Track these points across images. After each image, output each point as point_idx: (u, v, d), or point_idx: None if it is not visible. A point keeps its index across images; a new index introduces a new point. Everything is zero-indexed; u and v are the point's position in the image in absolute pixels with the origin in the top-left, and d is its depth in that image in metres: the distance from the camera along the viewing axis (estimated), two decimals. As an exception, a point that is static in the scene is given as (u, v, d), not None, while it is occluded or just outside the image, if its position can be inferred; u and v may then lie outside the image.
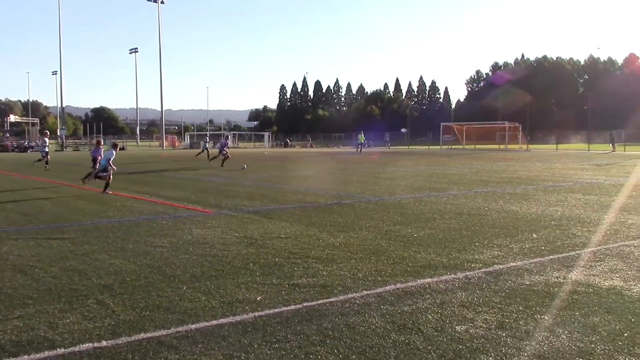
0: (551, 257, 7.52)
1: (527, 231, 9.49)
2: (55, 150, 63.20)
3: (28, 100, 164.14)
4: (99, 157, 17.76)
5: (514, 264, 7.12)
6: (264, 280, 6.33)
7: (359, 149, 54.18)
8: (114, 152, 16.59)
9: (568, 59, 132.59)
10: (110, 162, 16.06)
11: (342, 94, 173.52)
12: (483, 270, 6.79)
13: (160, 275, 6.54)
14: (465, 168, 28.10)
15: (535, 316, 5.12)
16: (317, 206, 12.94)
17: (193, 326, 4.86)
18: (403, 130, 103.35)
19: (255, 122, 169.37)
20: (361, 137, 55.72)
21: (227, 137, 35.22)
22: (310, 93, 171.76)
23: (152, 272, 6.68)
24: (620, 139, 62.17)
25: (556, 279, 6.36)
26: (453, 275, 6.52)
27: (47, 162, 28.93)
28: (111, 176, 16.19)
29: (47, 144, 30.21)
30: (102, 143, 20.38)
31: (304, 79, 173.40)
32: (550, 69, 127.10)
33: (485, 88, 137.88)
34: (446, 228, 9.80)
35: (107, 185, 15.86)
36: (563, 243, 8.48)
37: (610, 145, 53.62)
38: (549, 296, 5.72)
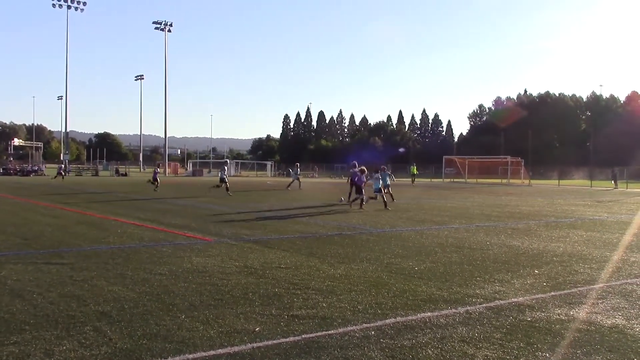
0: (553, 293, 7.46)
1: (529, 267, 9.44)
2: (54, 177, 63.33)
3: (33, 124, 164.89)
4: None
5: (516, 299, 7.06)
6: (263, 310, 6.28)
7: (413, 180, 56.56)
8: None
9: (571, 95, 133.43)
10: None
11: (346, 124, 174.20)
12: (484, 305, 6.73)
13: (158, 304, 6.49)
14: (467, 201, 28.06)
15: (537, 353, 5.06)
16: (318, 237, 12.91)
17: (190, 356, 4.80)
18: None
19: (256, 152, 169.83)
20: (413, 169, 58.54)
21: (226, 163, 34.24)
22: (314, 123, 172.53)
23: (150, 300, 6.63)
24: (623, 176, 62.13)
25: (558, 316, 6.30)
26: (454, 310, 6.46)
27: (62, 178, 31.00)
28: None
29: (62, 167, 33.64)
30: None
31: (308, 109, 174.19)
32: (552, 104, 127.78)
33: (487, 122, 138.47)
34: (447, 262, 9.75)
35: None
36: (565, 280, 8.42)
37: (613, 182, 53.55)
38: (550, 333, 5.66)
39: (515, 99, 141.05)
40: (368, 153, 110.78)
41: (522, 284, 7.99)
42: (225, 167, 31.22)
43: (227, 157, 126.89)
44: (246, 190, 34.60)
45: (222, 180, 29.71)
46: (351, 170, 24.78)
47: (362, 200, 21.60)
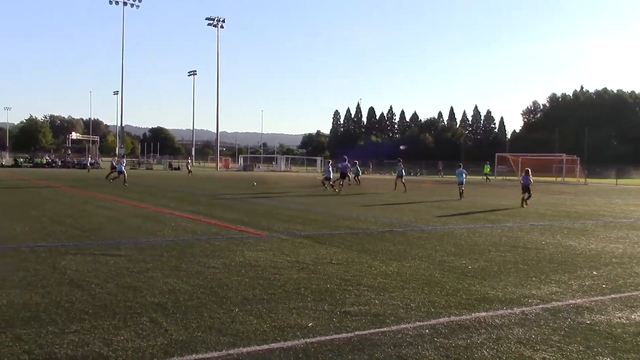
0: (613, 296, 7.24)
1: (587, 268, 9.18)
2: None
3: (90, 118, 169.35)
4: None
5: (574, 301, 6.87)
6: (315, 306, 6.29)
7: (487, 179, 58.01)
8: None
9: (630, 92, 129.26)
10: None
11: (396, 121, 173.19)
12: (541, 306, 6.58)
13: (212, 296, 6.57)
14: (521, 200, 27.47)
15: (597, 358, 4.91)
16: (370, 233, 12.86)
17: (244, 349, 4.84)
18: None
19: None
20: (486, 168, 59.63)
21: (345, 159, 33.48)
22: (364, 119, 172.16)
23: (204, 293, 6.72)
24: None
25: (619, 320, 6.10)
26: (509, 310, 6.33)
27: (125, 180, 32.35)
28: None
29: (124, 164, 34.68)
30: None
31: (358, 105, 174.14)
32: (610, 101, 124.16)
33: (541, 119, 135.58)
34: (501, 261, 9.57)
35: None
36: (625, 282, 8.16)
37: None
38: (611, 337, 5.48)
39: (571, 95, 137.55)
40: (418, 149, 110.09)
41: (580, 286, 7.78)
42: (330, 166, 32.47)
43: (278, 153, 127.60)
44: (299, 186, 34.76)
45: (328, 177, 31.39)
46: (341, 164, 32.10)
47: (341, 183, 30.69)
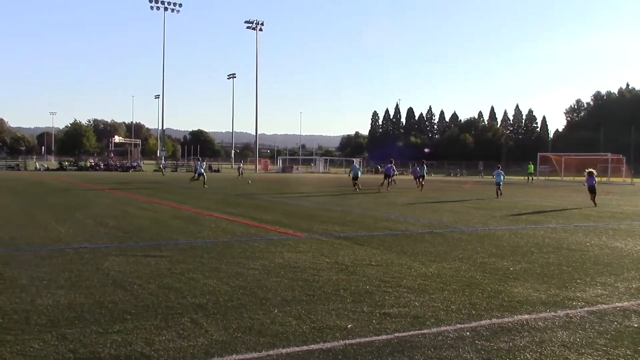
0: (661, 298, 7.02)
1: (634, 270, 8.93)
2: (154, 171, 66.03)
3: (132, 122, 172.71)
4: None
5: (620, 304, 6.69)
6: (354, 307, 6.26)
7: (529, 179, 57.17)
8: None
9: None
10: None
11: (435, 121, 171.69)
12: (586, 309, 6.42)
13: (252, 297, 6.60)
14: (564, 200, 27.01)
15: (646, 362, 4.77)
16: (409, 234, 12.77)
17: (284, 350, 4.85)
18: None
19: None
20: (531, 168, 59.24)
21: (391, 161, 35.02)
22: (403, 120, 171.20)
23: (244, 294, 6.76)
24: None
25: (668, 323, 5.91)
26: (553, 313, 6.20)
27: (199, 179, 34.07)
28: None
29: (203, 166, 36.37)
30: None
31: (397, 105, 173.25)
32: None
33: (585, 117, 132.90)
34: (544, 263, 9.39)
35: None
36: (675, 284, 7.91)
37: None
38: (660, 341, 5.32)
39: (616, 93, 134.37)
40: (458, 150, 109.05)
41: (626, 288, 7.57)
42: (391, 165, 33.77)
43: (317, 154, 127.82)
44: (337, 187, 34.74)
45: (388, 176, 33.17)
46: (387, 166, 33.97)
47: (388, 183, 32.69)
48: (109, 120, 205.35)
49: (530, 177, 58.29)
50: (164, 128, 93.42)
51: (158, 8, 79.12)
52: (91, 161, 76.65)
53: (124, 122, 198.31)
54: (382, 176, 34.99)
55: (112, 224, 13.60)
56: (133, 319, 5.66)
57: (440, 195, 28.72)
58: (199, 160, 40.54)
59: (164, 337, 5.13)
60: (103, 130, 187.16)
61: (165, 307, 6.11)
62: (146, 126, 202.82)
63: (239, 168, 57.09)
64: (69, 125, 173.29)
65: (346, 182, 38.95)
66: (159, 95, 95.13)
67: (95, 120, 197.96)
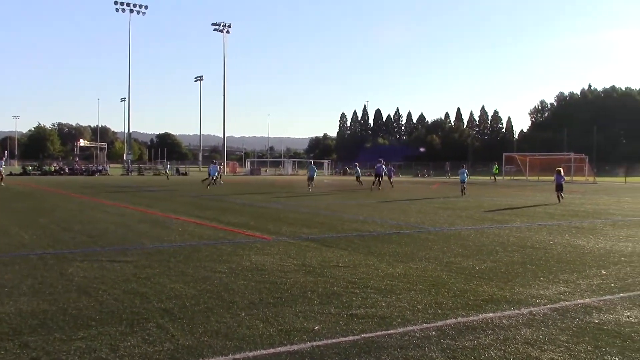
0: (622, 295, 7.19)
1: (595, 267, 9.13)
2: (121, 175, 65.24)
3: (97, 125, 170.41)
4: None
5: (582, 301, 6.83)
6: (321, 309, 6.28)
7: (495, 179, 58.70)
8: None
9: (638, 89, 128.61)
10: None
11: (403, 122, 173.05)
12: (548, 306, 6.54)
13: (219, 301, 6.57)
14: (529, 200, 27.44)
15: (606, 357, 4.88)
16: (376, 235, 12.84)
17: (251, 353, 4.84)
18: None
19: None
20: (496, 168, 61.22)
21: (381, 161, 36.76)
22: (371, 121, 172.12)
23: (211, 298, 6.73)
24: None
25: (628, 319, 6.06)
26: (517, 311, 6.30)
27: (214, 182, 35.85)
28: None
29: (219, 169, 38.53)
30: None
31: (364, 107, 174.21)
32: (618, 99, 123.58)
33: (549, 118, 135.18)
34: (509, 261, 9.53)
35: None
36: (635, 281, 8.10)
37: None
38: (620, 336, 5.44)
39: (578, 94, 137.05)
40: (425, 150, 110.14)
41: (588, 285, 7.73)
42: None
43: (286, 156, 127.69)
44: (304, 188, 34.73)
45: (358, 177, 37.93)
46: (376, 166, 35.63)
47: (379, 182, 34.53)
48: (73, 124, 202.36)
49: (495, 177, 59.71)
50: (131, 131, 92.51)
51: (123, 10, 78.37)
52: (55, 165, 75.31)
53: (90, 126, 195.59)
54: (343, 177, 36.77)
55: (77, 228, 13.40)
56: (97, 325, 5.59)
57: (408, 196, 28.93)
58: (214, 162, 41.08)
59: (129, 343, 5.07)
60: (68, 134, 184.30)
61: (130, 313, 6.04)
62: (112, 129, 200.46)
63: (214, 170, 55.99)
64: (33, 129, 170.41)
65: (315, 183, 39.06)
66: (125, 98, 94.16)
67: (59, 124, 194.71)
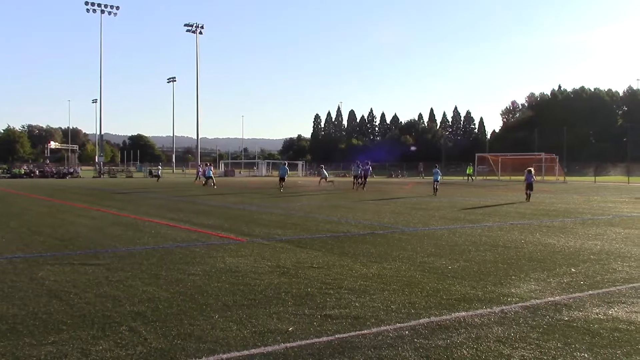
0: (591, 292, 7.32)
1: (565, 265, 9.28)
2: (93, 177, 64.51)
3: (68, 127, 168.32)
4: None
5: (552, 298, 6.94)
6: (295, 310, 6.28)
7: (469, 179, 60.73)
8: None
9: (606, 90, 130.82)
10: None
11: (376, 123, 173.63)
12: (520, 304, 6.63)
13: (192, 304, 6.54)
14: (501, 199, 27.74)
15: (575, 354, 4.96)
16: (350, 236, 12.88)
17: (224, 356, 4.82)
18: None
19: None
20: (470, 169, 62.63)
21: (368, 162, 38.05)
22: (345, 122, 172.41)
23: (184, 300, 6.69)
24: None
25: (596, 315, 6.17)
26: (489, 309, 6.37)
27: (206, 183, 36.71)
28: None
29: (212, 170, 39.02)
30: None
31: (339, 108, 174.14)
32: (588, 100, 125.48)
33: (520, 119, 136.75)
34: (481, 260, 9.64)
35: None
36: (603, 278, 8.25)
37: None
38: (589, 333, 5.54)
39: (549, 95, 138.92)
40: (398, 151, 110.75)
41: (558, 283, 7.85)
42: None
43: (260, 158, 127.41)
44: (278, 189, 34.68)
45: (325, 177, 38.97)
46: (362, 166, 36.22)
47: (364, 183, 35.43)
48: (44, 126, 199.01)
49: (470, 177, 61.06)
50: (102, 133, 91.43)
51: (94, 11, 77.43)
52: (25, 168, 74.11)
53: (61, 128, 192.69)
54: (318, 178, 37.85)
55: (47, 232, 13.22)
56: (69, 330, 5.52)
57: (382, 196, 29.05)
58: (207, 165, 41.67)
59: (100, 347, 5.02)
60: (38, 136, 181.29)
61: (102, 316, 5.98)
62: (84, 131, 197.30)
63: (198, 171, 55.09)
64: (2, 131, 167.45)
65: (289, 184, 39.08)
66: (96, 99, 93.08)
67: (29, 126, 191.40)
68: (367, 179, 36.21)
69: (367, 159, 39.29)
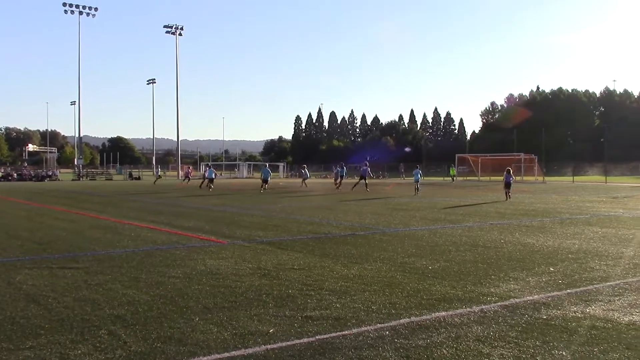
0: (569, 291, 7.40)
1: (544, 264, 9.37)
2: (72, 180, 63.88)
3: (47, 129, 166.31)
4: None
5: (531, 297, 7.01)
6: (276, 312, 6.28)
7: (453, 180, 61.34)
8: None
9: (584, 91, 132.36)
10: None
11: (357, 124, 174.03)
12: (499, 303, 6.69)
13: (173, 306, 6.50)
14: (481, 199, 27.94)
15: (553, 352, 5.01)
16: (331, 237, 12.89)
17: (204, 358, 4.81)
18: (407, 149, 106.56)
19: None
20: (452, 170, 63.55)
21: (366, 164, 38.36)
22: (326, 124, 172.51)
23: (164, 303, 6.65)
24: (638, 172, 61.66)
25: (574, 314, 6.24)
26: (468, 309, 6.42)
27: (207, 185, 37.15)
28: None
29: (214, 172, 39.95)
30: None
31: (319, 110, 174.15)
32: (565, 101, 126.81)
33: (500, 119, 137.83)
34: (461, 260, 9.70)
35: None
36: (581, 277, 8.35)
37: None
38: (567, 331, 5.61)
39: (527, 95, 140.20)
40: (380, 152, 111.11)
41: (537, 282, 7.93)
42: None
43: (241, 159, 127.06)
44: (259, 191, 34.62)
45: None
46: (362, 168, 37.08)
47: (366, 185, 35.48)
48: (22, 128, 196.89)
49: (453, 178, 61.99)
50: (82, 135, 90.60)
51: (72, 12, 76.66)
52: (3, 171, 73.16)
53: (39, 130, 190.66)
54: (300, 180, 38.64)
55: (25, 235, 13.06)
56: (47, 334, 5.47)
57: (363, 197, 29.10)
58: (209, 166, 42.12)
59: (79, 351, 4.98)
60: (16, 138, 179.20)
61: (81, 320, 5.93)
62: (62, 134, 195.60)
63: (187, 174, 54.79)
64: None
65: (271, 186, 39.03)
66: (75, 101, 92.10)
67: (7, 128, 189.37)
68: (367, 180, 36.50)
69: (365, 160, 40.58)
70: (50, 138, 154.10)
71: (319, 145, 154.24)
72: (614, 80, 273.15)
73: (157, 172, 64.44)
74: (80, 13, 77.03)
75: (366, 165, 37.20)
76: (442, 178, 70.77)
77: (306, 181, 42.01)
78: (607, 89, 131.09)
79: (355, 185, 35.83)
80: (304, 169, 44.66)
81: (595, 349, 5.08)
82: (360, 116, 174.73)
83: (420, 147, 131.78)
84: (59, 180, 66.18)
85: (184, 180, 41.72)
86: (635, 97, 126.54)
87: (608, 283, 7.93)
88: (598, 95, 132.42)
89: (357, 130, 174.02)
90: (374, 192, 35.86)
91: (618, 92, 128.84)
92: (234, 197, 30.12)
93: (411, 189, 34.68)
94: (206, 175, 38.54)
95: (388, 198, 29.29)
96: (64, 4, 75.84)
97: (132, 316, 6.08)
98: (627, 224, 16.04)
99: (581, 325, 5.80)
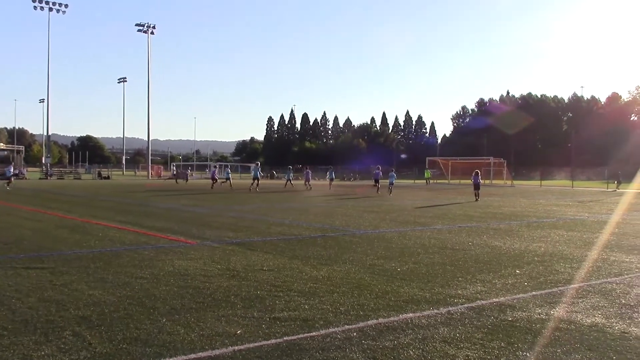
0: (534, 293, 7.52)
1: (511, 267, 9.50)
2: (40, 179, 62.85)
3: (14, 127, 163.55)
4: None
5: (497, 299, 7.10)
6: (244, 313, 6.26)
7: (428, 182, 62.37)
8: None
9: (552, 96, 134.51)
10: None
11: (330, 126, 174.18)
12: (466, 305, 6.76)
13: (139, 307, 6.44)
14: (450, 202, 28.20)
15: (517, 353, 5.09)
16: (301, 239, 12.89)
17: (171, 360, 4.78)
18: (403, 156, 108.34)
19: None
20: (427, 173, 64.63)
21: (379, 167, 40.64)
22: (298, 125, 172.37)
23: (131, 304, 6.58)
24: (604, 176, 62.82)
25: (539, 315, 6.34)
26: (436, 311, 6.48)
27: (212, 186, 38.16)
28: None
29: (215, 171, 41.73)
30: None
31: (292, 111, 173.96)
32: (535, 106, 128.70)
33: (470, 123, 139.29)
34: (430, 263, 9.78)
35: None
36: (546, 279, 8.49)
37: (615, 183, 52.32)
38: (531, 332, 5.70)
39: (497, 100, 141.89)
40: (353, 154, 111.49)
41: (503, 284, 8.04)
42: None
43: (212, 160, 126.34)
44: (230, 192, 34.47)
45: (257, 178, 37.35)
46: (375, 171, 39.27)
47: (378, 188, 36.48)
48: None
49: (427, 181, 63.00)
50: (50, 134, 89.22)
51: (42, 8, 75.35)
52: (-33, 169, 71.63)
53: (6, 128, 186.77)
54: (271, 181, 39.36)
55: (-11, 235, 12.81)
56: (10, 335, 5.37)
57: (335, 199, 29.16)
58: (215, 167, 42.97)
59: (43, 353, 4.90)
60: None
61: (45, 321, 5.83)
62: (30, 132, 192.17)
63: (177, 173, 54.37)
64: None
65: (243, 186, 38.88)
66: (43, 99, 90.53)
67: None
68: (379, 183, 37.79)
69: (378, 164, 43.43)
70: (17, 136, 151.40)
71: (291, 147, 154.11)
72: (582, 87, 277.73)
73: (174, 172, 62.29)
74: (50, 9, 75.80)
75: (378, 169, 39.57)
76: (413, 181, 71.23)
77: (290, 182, 42.88)
78: (575, 94, 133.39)
79: (377, 189, 36.58)
80: (307, 170, 45.28)
81: (559, 350, 5.17)
82: (333, 118, 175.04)
83: (392, 149, 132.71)
84: (26, 178, 64.99)
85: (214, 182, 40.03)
86: (602, 103, 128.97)
87: (572, 285, 8.08)
88: (566, 101, 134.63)
89: (330, 132, 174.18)
90: (347, 194, 35.97)
91: (586, 98, 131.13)
92: (205, 197, 29.91)
93: (383, 191, 34.91)
94: (223, 176, 40.67)
95: (359, 199, 29.39)
96: (34, 0, 74.57)
97: (98, 317, 6.01)
98: (592, 227, 16.34)
99: (545, 327, 5.89)
